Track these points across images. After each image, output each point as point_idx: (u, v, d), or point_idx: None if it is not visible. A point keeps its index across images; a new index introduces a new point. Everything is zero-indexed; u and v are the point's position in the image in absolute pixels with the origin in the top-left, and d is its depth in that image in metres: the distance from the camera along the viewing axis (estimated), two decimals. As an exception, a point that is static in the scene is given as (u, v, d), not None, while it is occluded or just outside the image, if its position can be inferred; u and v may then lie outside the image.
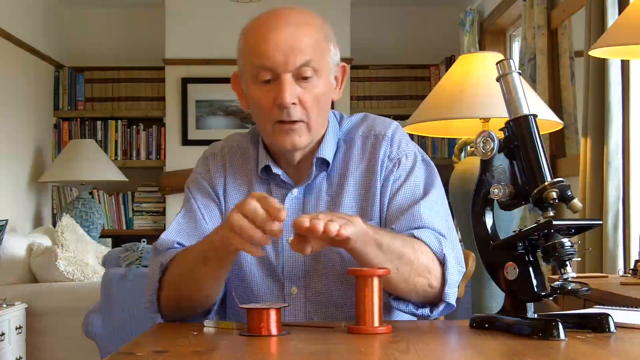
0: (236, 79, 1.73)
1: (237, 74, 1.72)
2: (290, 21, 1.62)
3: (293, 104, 1.61)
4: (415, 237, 1.58)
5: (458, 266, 1.61)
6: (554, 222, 1.33)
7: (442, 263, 1.58)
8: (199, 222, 1.71)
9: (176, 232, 1.71)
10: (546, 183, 1.36)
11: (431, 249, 1.58)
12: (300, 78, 1.61)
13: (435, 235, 1.61)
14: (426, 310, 1.61)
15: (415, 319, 1.74)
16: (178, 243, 1.69)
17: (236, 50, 1.69)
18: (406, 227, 1.62)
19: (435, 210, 1.66)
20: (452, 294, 1.59)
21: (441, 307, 1.60)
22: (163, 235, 1.71)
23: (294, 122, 1.63)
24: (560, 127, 3.25)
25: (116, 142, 6.20)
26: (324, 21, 1.69)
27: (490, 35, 5.50)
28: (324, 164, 1.72)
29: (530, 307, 1.39)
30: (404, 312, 1.62)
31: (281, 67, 1.60)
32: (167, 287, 1.63)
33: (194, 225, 1.71)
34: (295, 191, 1.71)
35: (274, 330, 1.38)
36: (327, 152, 1.71)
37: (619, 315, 1.46)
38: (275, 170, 1.71)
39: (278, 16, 1.63)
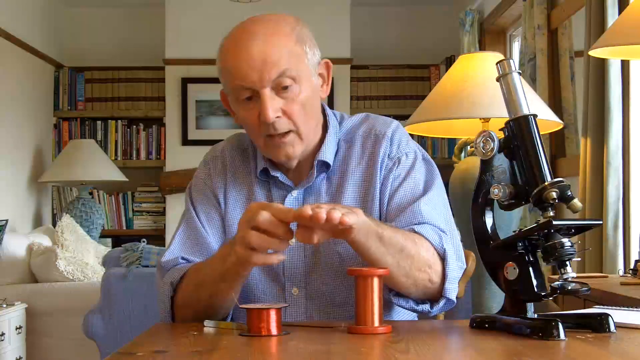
0: (224, 96, 1.72)
1: (224, 92, 1.71)
2: (258, 35, 1.60)
3: (277, 117, 1.60)
4: (415, 232, 1.58)
5: (459, 262, 1.61)
6: (554, 222, 1.33)
7: (443, 258, 1.58)
8: (201, 234, 1.71)
9: (179, 247, 1.71)
10: (546, 183, 1.36)
11: (432, 244, 1.58)
12: (280, 89, 1.60)
13: (436, 231, 1.60)
14: (426, 306, 1.61)
15: (415, 317, 1.74)
16: (183, 258, 1.69)
17: (217, 70, 1.68)
18: (406, 223, 1.62)
19: (436, 207, 1.66)
20: (452, 290, 1.59)
21: (441, 303, 1.60)
22: (167, 254, 1.71)
23: (284, 134, 1.63)
24: (560, 127, 3.25)
25: (116, 142, 6.20)
26: (297, 23, 1.66)
27: (490, 35, 5.50)
28: (324, 165, 1.71)
29: (530, 307, 1.39)
30: (404, 308, 1.62)
31: (258, 84, 1.59)
32: (183, 307, 1.63)
33: (196, 238, 1.71)
34: (295, 192, 1.71)
35: (274, 330, 1.38)
36: (328, 154, 1.71)
37: (619, 315, 1.46)
38: (274, 173, 1.71)
39: (246, 32, 1.61)
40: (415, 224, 1.61)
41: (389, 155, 1.71)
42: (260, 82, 1.59)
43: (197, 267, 1.63)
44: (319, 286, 1.68)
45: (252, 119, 1.63)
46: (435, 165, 1.75)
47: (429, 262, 1.56)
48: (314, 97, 1.67)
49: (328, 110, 1.76)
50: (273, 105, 1.59)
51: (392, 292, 1.59)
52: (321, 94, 1.70)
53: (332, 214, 1.36)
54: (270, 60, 1.58)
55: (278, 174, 1.71)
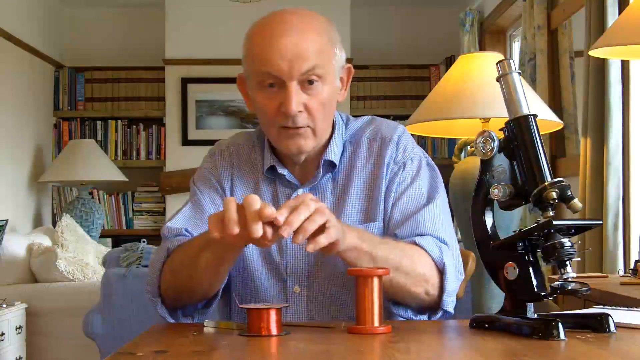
0: (242, 80, 1.72)
1: (243, 76, 1.71)
2: (294, 27, 1.60)
3: (300, 111, 1.61)
4: (416, 244, 1.59)
5: (457, 274, 1.63)
6: (554, 222, 1.32)
7: (441, 272, 1.59)
8: (207, 214, 1.71)
9: (184, 220, 1.71)
10: (546, 183, 1.36)
11: (432, 258, 1.59)
12: (306, 84, 1.61)
13: (437, 243, 1.62)
14: (424, 317, 1.64)
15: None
16: (186, 230, 1.69)
17: (242, 53, 1.68)
18: (409, 233, 1.63)
19: (439, 218, 1.67)
20: (450, 302, 1.61)
21: (439, 314, 1.62)
22: (170, 223, 1.71)
23: (300, 127, 1.63)
24: (560, 127, 3.25)
25: (116, 142, 6.20)
26: (329, 24, 1.67)
27: (490, 35, 5.50)
28: (330, 165, 1.72)
29: (530, 307, 1.39)
30: (403, 317, 1.63)
31: (286, 75, 1.59)
32: (168, 273, 1.62)
33: (202, 217, 1.71)
34: (300, 191, 1.71)
35: (274, 330, 1.38)
36: (334, 154, 1.71)
37: (619, 315, 1.46)
38: (281, 170, 1.72)
39: (282, 21, 1.62)
40: (418, 235, 1.62)
41: (394, 159, 1.72)
42: (289, 74, 1.59)
43: (190, 239, 1.64)
44: (320, 285, 1.68)
45: (270, 107, 1.63)
46: (438, 172, 1.76)
47: (425, 277, 1.58)
48: (333, 98, 1.68)
49: (334, 112, 1.77)
50: (297, 99, 1.60)
51: (391, 302, 1.61)
52: (338, 98, 1.71)
53: (297, 239, 1.34)
54: (303, 54, 1.59)
55: (285, 172, 1.72)
